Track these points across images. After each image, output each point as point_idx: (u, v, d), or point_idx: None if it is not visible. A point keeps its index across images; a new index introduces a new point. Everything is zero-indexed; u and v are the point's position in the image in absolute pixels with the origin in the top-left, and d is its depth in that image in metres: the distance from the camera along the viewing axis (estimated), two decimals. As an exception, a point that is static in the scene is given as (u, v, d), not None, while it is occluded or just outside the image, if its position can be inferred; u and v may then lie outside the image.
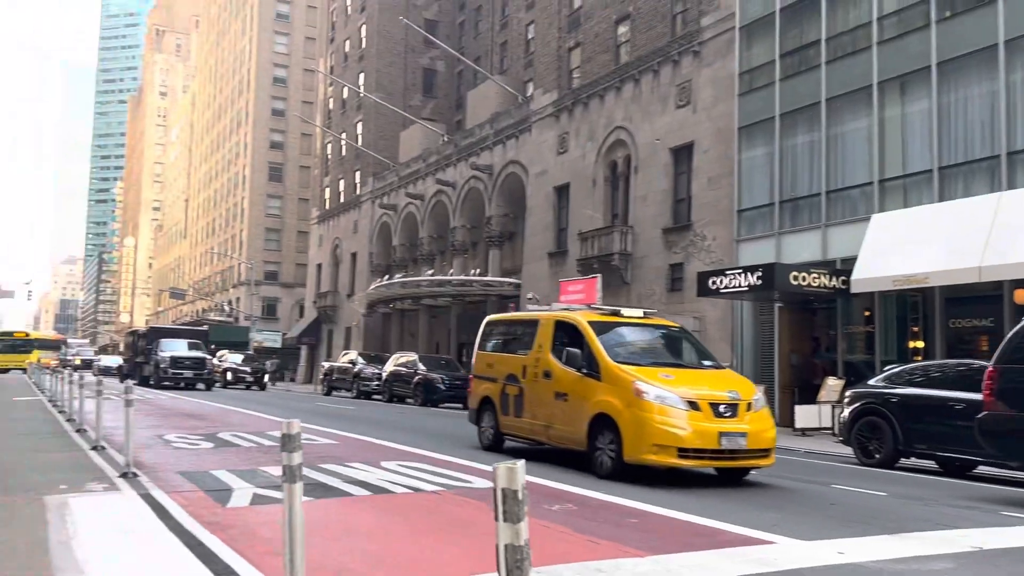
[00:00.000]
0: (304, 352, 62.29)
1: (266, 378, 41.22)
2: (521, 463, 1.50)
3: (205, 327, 51.61)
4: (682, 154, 28.33)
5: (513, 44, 47.31)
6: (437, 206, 44.93)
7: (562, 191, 34.69)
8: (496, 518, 1.50)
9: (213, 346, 42.71)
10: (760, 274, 19.92)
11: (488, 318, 14.16)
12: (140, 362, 37.46)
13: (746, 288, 20.36)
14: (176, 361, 33.54)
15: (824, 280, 19.61)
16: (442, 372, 28.26)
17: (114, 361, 55.93)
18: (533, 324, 11.97)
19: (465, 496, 8.26)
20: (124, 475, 8.76)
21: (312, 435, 14.39)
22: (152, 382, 33.82)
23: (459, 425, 16.44)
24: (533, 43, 42.23)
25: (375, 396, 31.99)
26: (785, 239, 22.98)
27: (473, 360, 13.64)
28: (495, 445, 12.57)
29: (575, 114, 33.94)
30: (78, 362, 66.24)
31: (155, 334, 37.90)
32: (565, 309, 12.21)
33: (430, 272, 43.77)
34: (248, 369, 40.09)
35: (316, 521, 6.76)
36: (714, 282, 21.42)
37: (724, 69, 26.08)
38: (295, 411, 21.66)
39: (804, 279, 19.43)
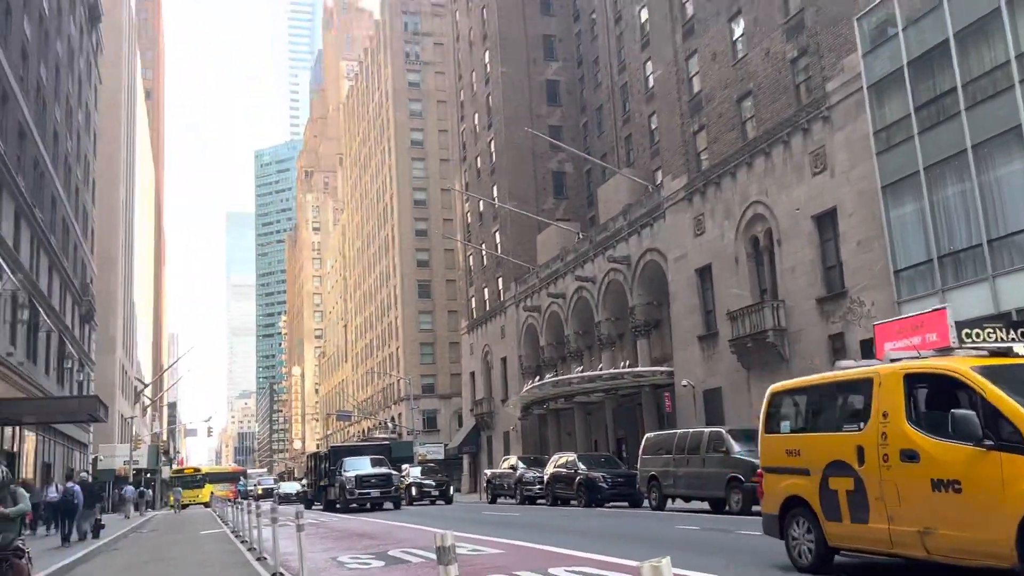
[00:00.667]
0: (466, 461, 62.94)
1: (451, 490, 38.93)
2: (666, 560, 1.44)
3: (388, 442, 49.20)
4: (826, 221, 27.46)
5: (637, 136, 47.95)
6: (579, 302, 45.20)
7: (704, 272, 34.18)
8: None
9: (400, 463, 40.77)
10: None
11: (774, 388, 10.50)
12: (324, 485, 35.94)
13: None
14: (362, 480, 31.36)
15: (1000, 335, 18.16)
16: (603, 470, 27.75)
17: (293, 487, 56.32)
18: (861, 385, 8.74)
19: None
20: (301, 600, 9.05)
21: (478, 545, 14.37)
22: (339, 505, 32.41)
23: (637, 524, 15.94)
24: (657, 132, 42.65)
25: (539, 500, 31.71)
26: (950, 295, 21.56)
27: (760, 448, 10.45)
28: (820, 565, 9.07)
29: (708, 195, 33.70)
30: (259, 492, 69.34)
31: (337, 454, 35.92)
32: (915, 357, 8.57)
33: (579, 369, 43.70)
34: (432, 482, 37.98)
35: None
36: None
37: (857, 130, 25.36)
38: (461, 521, 21.73)
39: (978, 336, 18.07)
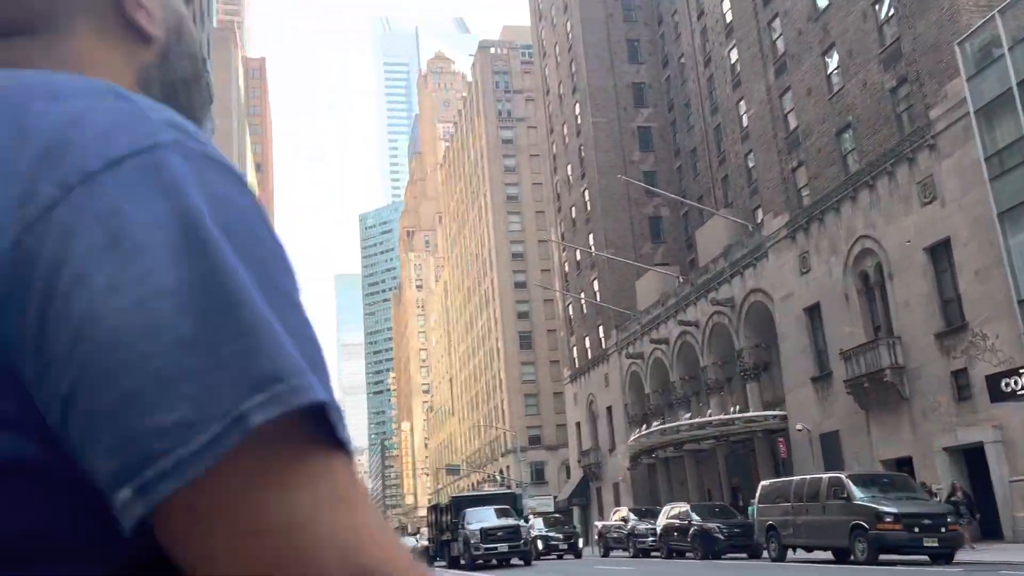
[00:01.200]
0: (576, 513, 62.11)
1: (580, 543, 36.63)
2: None
3: (518, 490, 44.48)
4: (939, 252, 26.31)
5: (734, 176, 47.31)
6: (683, 347, 44.43)
7: (813, 311, 33.15)
8: None
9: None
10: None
11: None
12: (446, 540, 32.89)
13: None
14: (487, 534, 27.87)
15: None
16: (718, 521, 26.89)
17: (410, 543, 54.75)
18: None
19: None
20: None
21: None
22: (463, 562, 29.06)
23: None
24: (755, 171, 41.97)
25: (653, 552, 30.94)
26: (1084, 324, 20.23)
27: None
28: None
29: (812, 231, 32.84)
30: None
31: (459, 505, 32.41)
32: None
33: (687, 416, 42.74)
34: (559, 535, 35.64)
35: None
36: (1007, 384, 19.14)
37: (967, 156, 24.35)
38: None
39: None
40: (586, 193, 59.84)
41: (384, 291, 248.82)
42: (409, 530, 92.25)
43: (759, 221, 39.85)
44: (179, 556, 0.48)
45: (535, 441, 78.50)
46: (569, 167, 63.63)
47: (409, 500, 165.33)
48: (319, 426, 0.49)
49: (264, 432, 0.47)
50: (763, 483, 24.99)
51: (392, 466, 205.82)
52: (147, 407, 0.46)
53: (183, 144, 0.52)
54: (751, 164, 43.42)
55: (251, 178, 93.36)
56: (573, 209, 62.88)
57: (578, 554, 35.43)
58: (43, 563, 0.50)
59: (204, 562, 0.47)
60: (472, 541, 27.98)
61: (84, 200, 0.49)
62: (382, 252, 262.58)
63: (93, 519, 0.50)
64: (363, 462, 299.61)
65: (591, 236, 58.43)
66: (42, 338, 0.48)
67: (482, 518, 29.08)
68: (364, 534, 0.48)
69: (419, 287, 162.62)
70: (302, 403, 0.48)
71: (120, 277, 0.47)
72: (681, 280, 46.04)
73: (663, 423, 44.71)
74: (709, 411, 40.80)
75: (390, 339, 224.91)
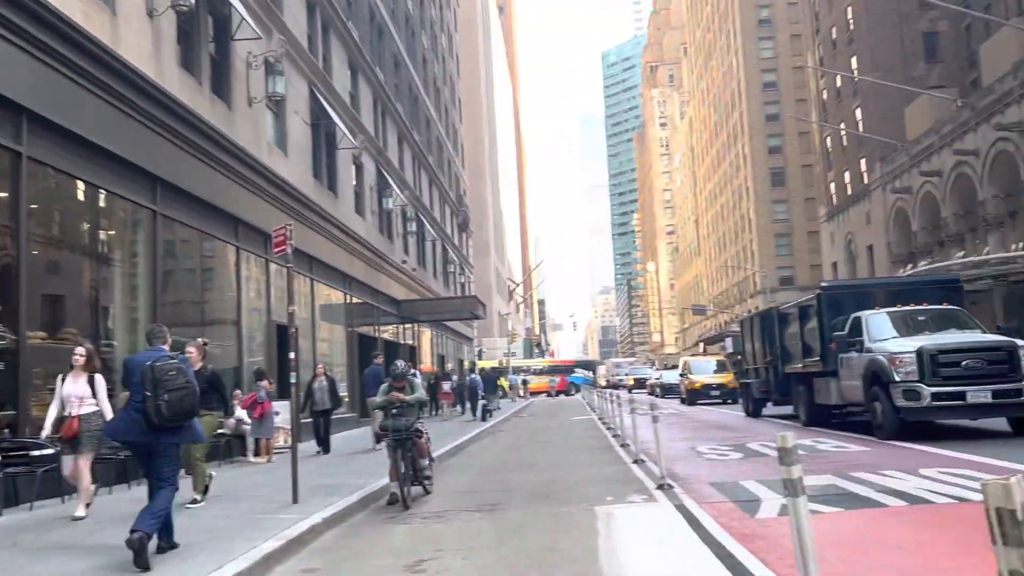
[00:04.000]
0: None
1: None
2: (1018, 478, 1.33)
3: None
4: None
5: (1033, -24, 40.40)
6: (959, 179, 40.11)
7: (1126, 134, 28.38)
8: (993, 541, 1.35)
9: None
10: None
11: None
12: (801, 373, 18.36)
13: None
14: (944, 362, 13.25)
15: None
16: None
17: (672, 377, 44.48)
18: None
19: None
20: (660, 487, 9.45)
21: (841, 441, 13.86)
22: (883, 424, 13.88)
23: None
24: (1059, -32, 35.52)
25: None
26: None
27: None
28: None
29: None
30: (631, 382, 69.46)
31: (837, 305, 16.69)
32: None
33: (961, 254, 39.10)
34: None
35: (845, 533, 6.51)
36: None
37: None
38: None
39: None
40: (849, 10, 54.03)
41: (627, 131, 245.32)
42: (656, 366, 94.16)
43: (1062, 28, 34.02)
44: None
45: (787, 282, 75.94)
46: (829, -18, 57.48)
47: (656, 338, 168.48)
48: None
49: None
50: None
51: (638, 305, 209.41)
52: None
53: None
54: (1056, -40, 36.74)
55: (495, 22, 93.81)
56: (834, 29, 57.22)
57: None
58: None
59: None
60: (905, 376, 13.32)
61: None
62: (625, 90, 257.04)
63: None
64: (611, 301, 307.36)
65: (854, 59, 53.16)
66: None
67: (893, 331, 14.58)
68: None
69: (663, 125, 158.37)
70: None
71: None
72: (960, 104, 40.95)
73: (931, 262, 41.31)
74: (987, 249, 37.04)
75: (634, 180, 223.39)
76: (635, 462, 12.31)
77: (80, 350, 8.72)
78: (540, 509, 8.66)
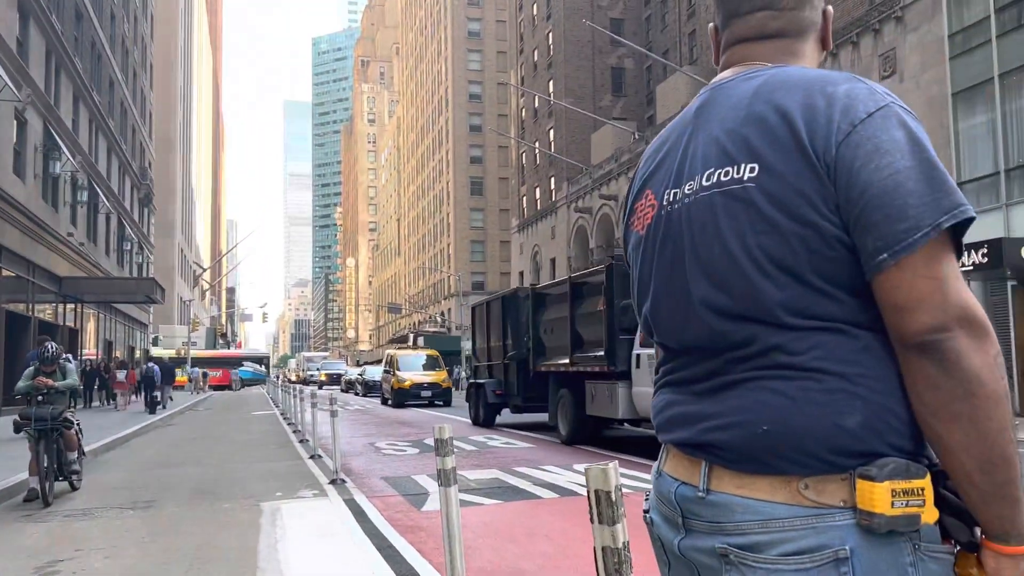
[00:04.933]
0: (512, 357, 63.84)
1: None
2: (614, 464, 1.42)
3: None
4: (890, 128, 26.30)
5: (702, 32, 46.14)
6: (632, 205, 44.61)
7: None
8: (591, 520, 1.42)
9: None
10: (985, 251, 18.09)
11: None
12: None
13: (971, 267, 18.56)
14: None
15: (1064, 253, 17.25)
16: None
17: (376, 373, 41.94)
18: None
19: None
20: (333, 482, 9.36)
21: (512, 439, 14.71)
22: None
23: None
24: (721, 29, 40.87)
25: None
26: (1015, 210, 20.72)
27: None
28: None
29: (769, 98, 32.48)
30: (322, 378, 63.71)
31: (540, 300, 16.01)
32: None
33: (629, 272, 43.43)
34: None
35: (500, 523, 6.88)
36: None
37: (931, 33, 23.97)
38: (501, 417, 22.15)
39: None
40: (550, 36, 57.95)
41: (335, 122, 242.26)
42: (349, 362, 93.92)
43: (720, 82, 39.20)
44: (884, 291, 1.14)
45: (479, 287, 79.52)
46: (535, 6, 61.22)
47: (351, 334, 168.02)
48: (958, 230, 1.15)
49: (941, 235, 1.12)
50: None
51: (335, 300, 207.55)
52: (895, 221, 1.12)
53: (895, 102, 1.20)
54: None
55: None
56: (536, 52, 61.02)
57: None
58: (840, 295, 1.18)
59: (893, 291, 1.13)
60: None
61: (861, 131, 1.16)
62: (335, 80, 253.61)
63: (850, 267, 1.17)
64: (307, 294, 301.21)
65: (551, 83, 57.07)
66: (847, 191, 1.15)
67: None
68: (967, 292, 1.13)
69: (371, 121, 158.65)
70: (967, 217, 1.13)
71: (880, 164, 1.14)
72: (637, 136, 45.62)
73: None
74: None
75: (338, 172, 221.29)
76: (311, 457, 12.11)
77: None
78: (200, 506, 8.18)
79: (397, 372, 29.62)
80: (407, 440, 14.99)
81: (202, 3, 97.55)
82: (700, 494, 1.26)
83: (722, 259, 1.25)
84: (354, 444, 14.29)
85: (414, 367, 30.25)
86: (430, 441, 14.56)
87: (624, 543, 1.40)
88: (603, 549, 1.41)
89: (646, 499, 1.45)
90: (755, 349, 1.22)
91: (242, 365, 60.53)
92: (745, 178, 1.23)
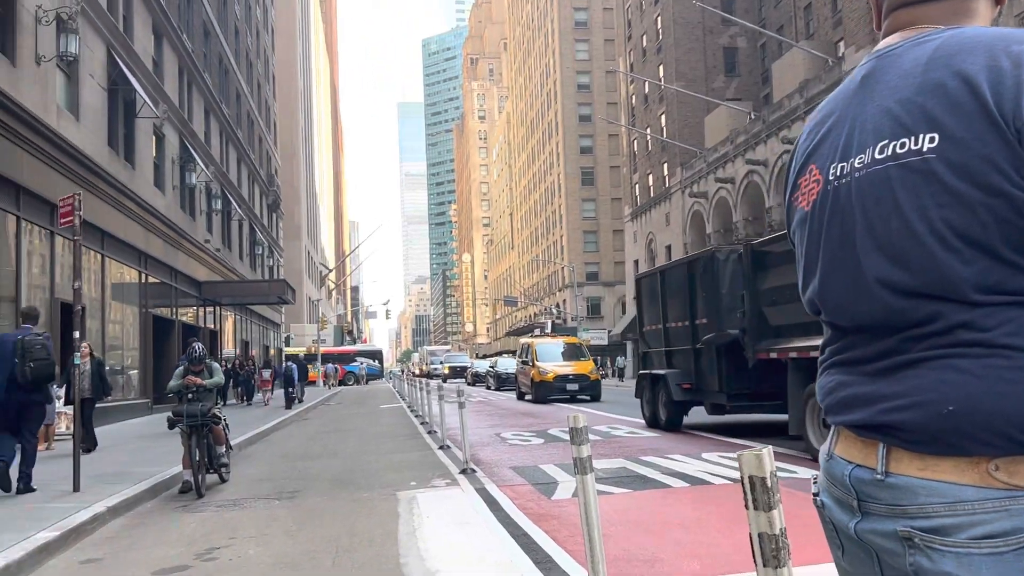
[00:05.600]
0: (629, 347, 63.50)
1: None
2: (768, 449, 1.45)
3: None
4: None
5: (818, 5, 44.37)
6: (749, 187, 43.48)
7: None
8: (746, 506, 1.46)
9: None
10: None
11: None
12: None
13: None
14: None
15: None
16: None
17: (510, 365, 38.74)
18: None
19: (788, 487, 7.87)
20: (463, 471, 9.60)
21: (635, 428, 14.65)
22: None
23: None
24: (840, 0, 39.27)
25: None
26: None
27: None
28: None
29: (894, 68, 30.96)
30: (446, 371, 64.03)
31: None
32: None
33: (749, 257, 42.31)
34: None
35: (633, 512, 6.90)
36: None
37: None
38: (625, 406, 22.11)
39: None
40: (659, 20, 57.03)
41: (447, 121, 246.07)
42: (484, 353, 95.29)
43: (841, 55, 37.66)
44: None
45: (593, 277, 79.25)
46: (641, -8, 60.38)
47: (469, 328, 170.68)
48: None
49: None
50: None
51: (453, 295, 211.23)
52: None
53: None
54: (837, -8, 40.58)
55: (313, 1, 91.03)
56: (644, 38, 60.20)
57: None
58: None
59: None
60: None
61: (1017, 58, 1.12)
62: (445, 80, 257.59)
63: None
64: (425, 290, 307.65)
65: (661, 68, 56.19)
66: (1016, 112, 1.10)
67: None
68: None
69: (482, 118, 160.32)
70: None
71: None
72: (753, 117, 44.35)
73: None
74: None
75: (452, 171, 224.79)
76: (441, 448, 12.43)
77: None
78: (341, 495, 8.55)
79: (537, 363, 26.56)
80: (531, 431, 15.16)
81: (318, 14, 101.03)
82: (878, 476, 1.23)
83: (900, 235, 1.19)
84: (480, 435, 14.57)
85: (554, 357, 27.08)
86: (554, 431, 14.68)
87: (781, 529, 1.41)
88: (759, 535, 1.43)
89: (814, 482, 1.41)
90: (938, 327, 1.16)
91: (355, 360, 61.05)
92: (924, 149, 1.17)
